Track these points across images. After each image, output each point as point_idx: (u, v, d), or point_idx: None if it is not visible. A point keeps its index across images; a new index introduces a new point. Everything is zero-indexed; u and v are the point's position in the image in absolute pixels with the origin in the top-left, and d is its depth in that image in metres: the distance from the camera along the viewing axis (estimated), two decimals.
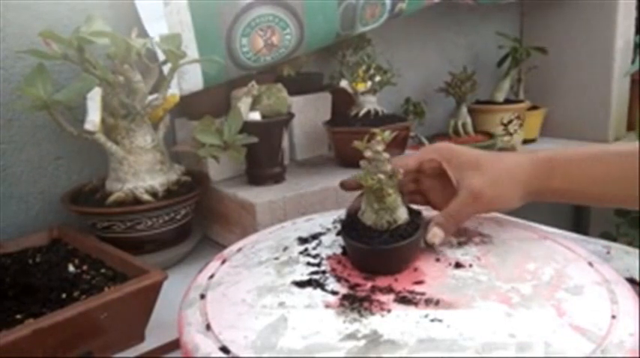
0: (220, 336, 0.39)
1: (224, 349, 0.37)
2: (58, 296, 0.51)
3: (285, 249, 0.53)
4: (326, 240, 0.54)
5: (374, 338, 0.36)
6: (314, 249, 0.52)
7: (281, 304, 0.42)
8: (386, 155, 0.46)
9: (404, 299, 0.40)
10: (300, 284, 0.45)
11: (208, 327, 0.40)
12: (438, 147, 0.54)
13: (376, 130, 0.48)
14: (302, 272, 0.47)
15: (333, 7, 0.82)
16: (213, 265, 0.51)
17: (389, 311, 0.39)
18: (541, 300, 0.39)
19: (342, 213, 0.62)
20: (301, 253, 0.51)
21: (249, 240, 0.57)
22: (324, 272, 0.47)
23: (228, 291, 0.46)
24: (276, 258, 0.51)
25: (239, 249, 0.55)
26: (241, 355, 0.36)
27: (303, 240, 0.55)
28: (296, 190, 0.73)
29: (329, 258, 0.49)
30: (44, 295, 0.51)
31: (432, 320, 0.37)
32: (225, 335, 0.39)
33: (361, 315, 0.39)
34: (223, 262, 0.52)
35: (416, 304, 0.39)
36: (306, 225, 0.59)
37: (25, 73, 0.68)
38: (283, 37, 0.79)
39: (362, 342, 0.36)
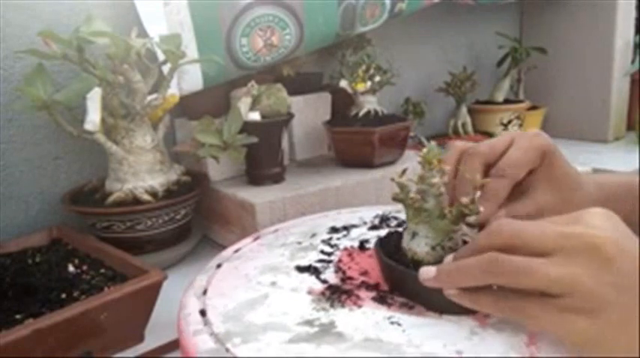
0: (208, 301, 0.43)
1: (202, 312, 0.41)
2: (58, 296, 0.51)
3: (313, 235, 0.56)
4: (355, 232, 0.55)
5: (326, 329, 0.37)
6: (338, 239, 0.54)
7: (273, 283, 0.45)
8: (434, 180, 0.40)
9: (381, 299, 0.41)
10: (300, 269, 0.47)
11: (205, 292, 0.45)
12: (545, 149, 0.45)
13: (426, 148, 0.41)
14: (311, 259, 0.50)
15: (332, 7, 0.82)
16: (245, 241, 0.56)
17: (360, 307, 0.40)
18: (520, 325, 0.36)
19: (388, 210, 0.62)
20: (324, 241, 0.54)
21: (288, 223, 0.61)
22: (329, 261, 0.49)
23: (241, 265, 0.50)
24: (299, 243, 0.54)
25: (275, 230, 0.59)
26: (213, 319, 0.40)
27: (334, 230, 0.57)
28: (296, 190, 0.73)
29: (345, 249, 0.51)
30: (44, 295, 0.51)
31: (392, 323, 0.37)
32: (212, 301, 0.43)
33: (332, 306, 0.41)
34: (256, 239, 0.56)
35: (390, 305, 0.40)
36: (347, 216, 0.61)
37: (25, 73, 0.68)
38: (283, 37, 0.79)
39: (314, 330, 0.37)
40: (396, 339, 0.35)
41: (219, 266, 0.50)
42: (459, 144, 0.47)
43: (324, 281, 0.45)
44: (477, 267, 0.33)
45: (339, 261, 0.48)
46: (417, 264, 0.40)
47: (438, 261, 0.39)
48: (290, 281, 0.45)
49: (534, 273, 0.31)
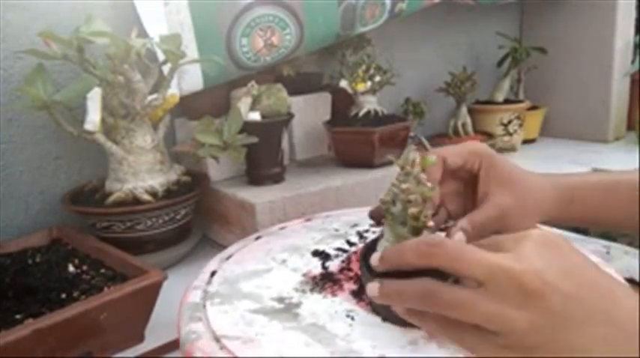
0: (225, 265, 0.48)
1: (213, 272, 0.47)
2: (58, 296, 0.51)
3: (354, 225, 0.58)
4: None
5: (289, 308, 0.40)
6: (374, 232, 0.55)
7: (283, 261, 0.49)
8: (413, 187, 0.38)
9: (358, 293, 0.42)
10: (314, 253, 0.50)
11: (229, 258, 0.50)
12: (480, 152, 0.46)
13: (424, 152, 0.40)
14: (332, 246, 0.52)
15: (333, 8, 0.82)
16: (296, 221, 0.60)
17: (335, 296, 0.42)
18: None
19: None
20: (358, 232, 0.55)
21: (342, 210, 0.64)
22: (346, 251, 0.50)
23: (274, 241, 0.54)
24: (336, 230, 0.56)
25: (327, 216, 0.62)
26: (215, 280, 0.45)
27: (377, 223, 0.56)
28: (296, 190, 0.73)
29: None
30: (44, 295, 0.51)
31: (347, 316, 0.39)
32: (229, 265, 0.48)
33: (311, 290, 0.43)
34: (307, 220, 0.60)
35: (360, 300, 0.41)
36: None
37: (25, 73, 0.68)
38: (283, 37, 0.79)
39: (279, 306, 0.41)
40: (338, 330, 0.37)
41: (257, 238, 0.55)
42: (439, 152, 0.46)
43: (324, 268, 0.47)
44: (414, 294, 0.32)
45: (355, 252, 0.50)
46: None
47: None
48: (297, 262, 0.48)
49: (467, 310, 0.30)
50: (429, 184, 0.37)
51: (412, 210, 0.37)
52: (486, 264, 0.30)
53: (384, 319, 0.37)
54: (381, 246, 0.40)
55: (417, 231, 0.37)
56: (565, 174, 0.50)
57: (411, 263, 0.34)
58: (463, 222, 0.44)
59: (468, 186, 0.48)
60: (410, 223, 0.37)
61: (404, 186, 0.37)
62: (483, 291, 0.30)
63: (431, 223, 0.38)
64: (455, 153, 0.46)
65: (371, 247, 0.42)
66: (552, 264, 0.30)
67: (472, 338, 0.31)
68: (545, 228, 0.48)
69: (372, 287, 0.35)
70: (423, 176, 0.38)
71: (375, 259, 0.35)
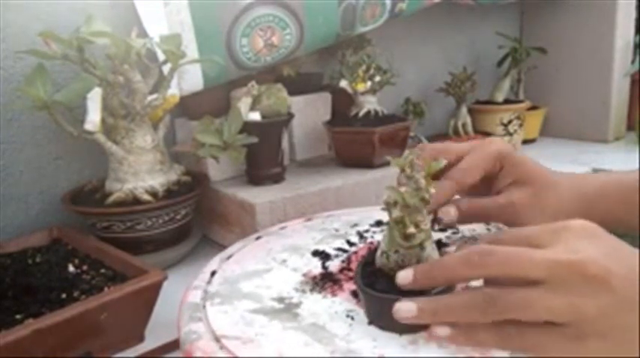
0: (225, 265, 0.49)
1: (213, 272, 0.47)
2: (58, 296, 0.51)
3: (354, 225, 0.57)
4: None
5: (289, 308, 0.40)
6: (374, 233, 0.55)
7: (283, 261, 0.49)
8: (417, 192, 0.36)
9: (358, 294, 0.41)
10: (314, 253, 0.50)
11: (230, 257, 0.50)
12: (500, 156, 0.46)
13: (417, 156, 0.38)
14: (332, 245, 0.52)
15: (333, 8, 0.82)
16: (296, 221, 0.60)
17: (335, 296, 0.42)
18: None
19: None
20: (358, 232, 0.55)
21: (343, 210, 0.64)
22: (346, 251, 0.50)
23: (274, 241, 0.54)
24: (336, 230, 0.56)
25: (328, 216, 0.62)
26: (215, 280, 0.45)
27: (377, 223, 0.57)
28: (296, 190, 0.73)
29: (370, 243, 0.52)
30: (44, 295, 0.51)
31: (347, 316, 0.39)
32: (229, 265, 0.49)
33: (311, 291, 0.43)
34: (308, 220, 0.60)
35: (360, 300, 0.40)
36: None
37: (25, 73, 0.68)
38: (283, 38, 0.79)
39: (279, 306, 0.41)
40: (337, 330, 0.37)
41: (258, 238, 0.55)
42: (428, 147, 0.47)
43: (324, 268, 0.47)
44: (471, 304, 0.32)
45: (355, 252, 0.50)
46: (369, 263, 0.40)
47: (381, 268, 0.39)
48: (297, 262, 0.48)
49: (535, 308, 0.30)
50: (432, 190, 0.37)
51: (396, 214, 0.36)
52: (543, 262, 0.31)
53: (383, 328, 0.36)
54: (380, 245, 0.40)
55: (406, 237, 0.37)
56: (590, 174, 0.49)
57: (462, 276, 0.33)
58: (462, 202, 0.45)
59: (483, 182, 0.47)
60: (396, 228, 0.37)
61: (402, 189, 0.37)
62: (546, 287, 0.30)
63: (425, 226, 0.37)
64: (474, 165, 0.45)
65: (368, 260, 0.41)
66: (602, 250, 0.31)
67: (540, 338, 0.31)
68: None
69: (408, 307, 0.33)
70: (422, 181, 0.37)
71: (404, 278, 0.35)
